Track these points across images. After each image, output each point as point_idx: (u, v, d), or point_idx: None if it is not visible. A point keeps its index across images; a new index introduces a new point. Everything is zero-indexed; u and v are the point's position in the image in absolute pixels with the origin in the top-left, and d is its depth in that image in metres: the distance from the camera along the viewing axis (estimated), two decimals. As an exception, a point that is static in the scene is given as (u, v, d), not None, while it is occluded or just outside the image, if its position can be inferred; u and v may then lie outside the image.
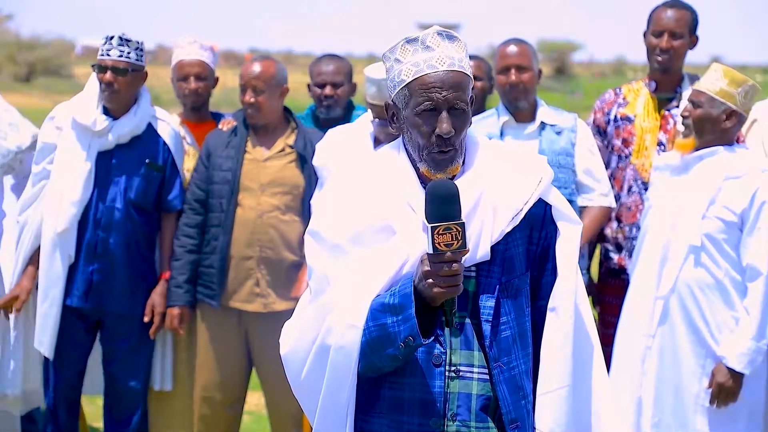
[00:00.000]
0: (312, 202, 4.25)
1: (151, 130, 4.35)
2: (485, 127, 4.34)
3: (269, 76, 4.33)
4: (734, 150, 3.82)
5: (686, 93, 4.20)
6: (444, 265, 2.16)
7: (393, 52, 2.34)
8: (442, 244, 2.16)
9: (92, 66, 4.28)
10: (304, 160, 4.36)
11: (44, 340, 4.25)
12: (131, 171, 4.30)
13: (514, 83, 4.26)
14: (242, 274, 4.34)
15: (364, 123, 4.28)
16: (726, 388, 3.71)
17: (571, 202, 4.18)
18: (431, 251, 2.17)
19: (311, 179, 4.34)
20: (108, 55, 4.21)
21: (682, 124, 3.87)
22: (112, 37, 4.22)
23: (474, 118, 4.37)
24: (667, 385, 3.83)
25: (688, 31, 4.35)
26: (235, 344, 4.45)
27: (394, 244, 2.29)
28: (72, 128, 4.26)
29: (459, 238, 2.16)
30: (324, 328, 2.32)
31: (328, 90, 4.69)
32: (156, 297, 4.38)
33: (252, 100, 4.33)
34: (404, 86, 2.30)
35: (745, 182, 3.73)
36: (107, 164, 4.27)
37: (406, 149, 2.38)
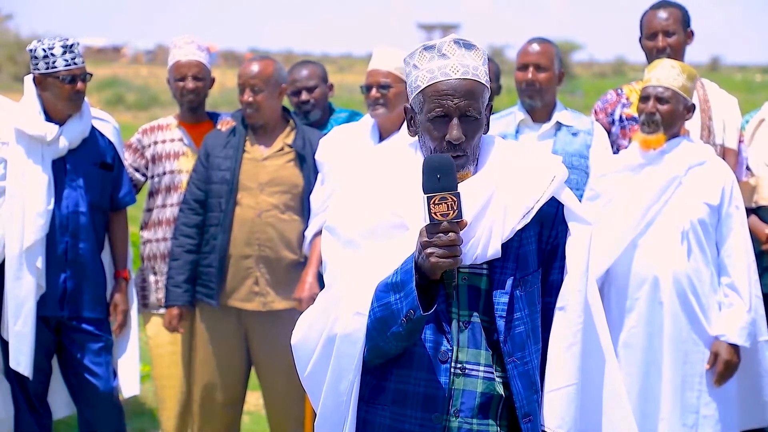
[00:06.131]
0: (311, 197, 4.28)
1: (94, 131, 4.34)
2: (502, 125, 4.36)
3: (267, 75, 4.34)
4: (690, 140, 4.00)
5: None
6: (441, 235, 2.20)
7: (412, 57, 2.40)
8: (438, 214, 2.20)
9: (44, 75, 4.16)
10: (303, 159, 4.36)
11: (21, 359, 4.15)
12: (87, 174, 4.27)
13: (531, 81, 4.29)
14: (241, 273, 4.34)
15: (367, 122, 4.30)
16: (732, 365, 3.83)
17: None
18: (428, 221, 2.21)
19: (310, 178, 4.35)
20: (75, 63, 4.17)
21: (651, 121, 3.91)
22: (71, 45, 4.16)
23: (491, 116, 4.39)
24: (676, 375, 3.87)
25: (681, 27, 4.40)
26: (234, 343, 4.45)
27: (407, 239, 2.33)
28: (18, 142, 4.18)
29: (455, 208, 2.20)
30: (332, 319, 2.37)
31: (303, 95, 4.70)
32: (117, 295, 4.39)
33: (250, 99, 4.33)
34: (419, 92, 2.37)
35: (709, 167, 3.90)
36: (62, 170, 4.23)
37: (422, 150, 2.44)
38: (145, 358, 5.13)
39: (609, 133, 4.46)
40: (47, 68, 4.16)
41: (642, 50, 4.51)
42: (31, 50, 4.20)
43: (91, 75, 4.29)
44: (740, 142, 4.40)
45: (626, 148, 4.43)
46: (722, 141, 4.34)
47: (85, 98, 4.33)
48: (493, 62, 4.99)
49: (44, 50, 4.15)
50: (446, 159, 2.24)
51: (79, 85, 4.19)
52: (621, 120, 4.46)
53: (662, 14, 4.40)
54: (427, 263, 2.22)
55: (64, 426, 5.13)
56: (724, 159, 4.26)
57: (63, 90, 4.17)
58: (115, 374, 4.42)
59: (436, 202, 2.20)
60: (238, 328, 4.44)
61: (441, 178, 2.20)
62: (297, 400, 4.40)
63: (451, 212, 2.20)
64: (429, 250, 2.21)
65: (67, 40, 4.18)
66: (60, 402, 4.50)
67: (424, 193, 2.21)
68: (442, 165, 2.22)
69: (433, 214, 2.20)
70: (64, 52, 4.15)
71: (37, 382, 4.30)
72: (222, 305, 4.38)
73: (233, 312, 4.40)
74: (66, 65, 4.16)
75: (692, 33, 4.45)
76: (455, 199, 2.20)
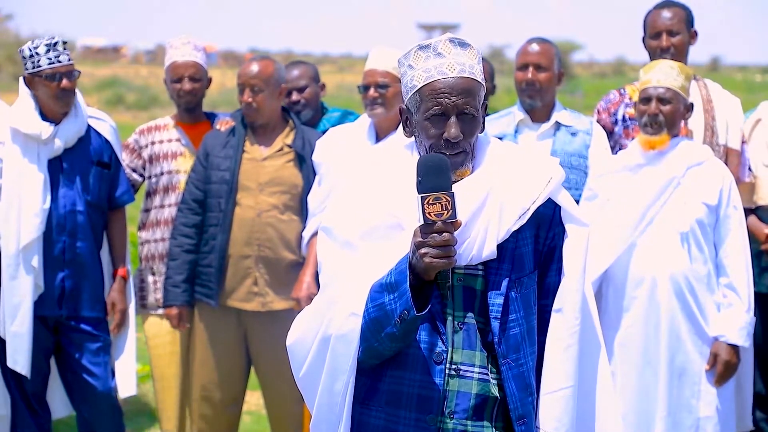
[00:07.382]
0: (309, 197, 4.27)
1: (90, 130, 4.34)
2: (501, 125, 4.36)
3: (267, 75, 4.34)
4: (689, 140, 4.03)
5: (693, 92, 4.22)
6: (435, 235, 2.19)
7: (407, 58, 2.39)
8: (432, 214, 2.20)
9: (32, 74, 4.18)
10: (302, 159, 4.36)
11: (19, 359, 4.15)
12: (84, 173, 4.27)
13: (531, 81, 4.30)
14: (240, 273, 4.34)
15: (364, 122, 4.29)
16: (732, 365, 3.84)
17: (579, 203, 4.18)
18: (422, 221, 2.20)
19: (309, 178, 4.34)
20: (59, 61, 4.17)
21: (655, 122, 3.91)
22: (55, 44, 4.17)
23: (490, 117, 4.39)
24: (673, 375, 3.87)
25: (685, 27, 4.40)
26: (233, 343, 4.45)
27: (403, 240, 2.32)
28: (14, 141, 4.19)
29: (449, 208, 2.20)
30: (327, 320, 2.37)
31: (294, 95, 4.70)
32: (115, 294, 4.38)
33: (250, 99, 4.33)
34: (416, 91, 2.36)
35: (707, 168, 3.91)
36: (59, 170, 4.23)
37: (419, 151, 2.42)
38: (144, 359, 5.13)
39: (612, 132, 4.46)
40: (33, 67, 4.18)
41: (645, 50, 4.51)
42: (20, 51, 4.23)
43: (79, 72, 4.28)
44: (743, 142, 4.39)
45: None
46: (725, 141, 4.34)
47: (81, 97, 4.33)
48: (488, 62, 4.99)
49: (30, 50, 4.18)
50: (441, 159, 2.23)
51: (65, 82, 4.19)
52: (624, 120, 4.46)
53: (666, 14, 4.40)
54: (421, 263, 2.22)
55: (64, 426, 5.12)
56: (726, 159, 4.26)
57: (49, 88, 4.18)
58: (113, 374, 4.41)
59: (431, 202, 2.19)
60: (237, 328, 4.43)
61: (435, 178, 2.20)
62: (297, 400, 4.39)
63: (446, 212, 2.19)
64: (423, 251, 2.20)
65: (53, 38, 4.19)
66: (59, 402, 4.49)
67: (419, 193, 2.21)
68: (437, 165, 2.21)
69: (427, 214, 2.20)
70: (48, 51, 4.16)
71: (35, 382, 4.29)
72: (221, 305, 4.38)
73: (232, 312, 4.39)
74: (49, 63, 4.17)
75: (696, 33, 4.46)
76: (449, 199, 2.20)
